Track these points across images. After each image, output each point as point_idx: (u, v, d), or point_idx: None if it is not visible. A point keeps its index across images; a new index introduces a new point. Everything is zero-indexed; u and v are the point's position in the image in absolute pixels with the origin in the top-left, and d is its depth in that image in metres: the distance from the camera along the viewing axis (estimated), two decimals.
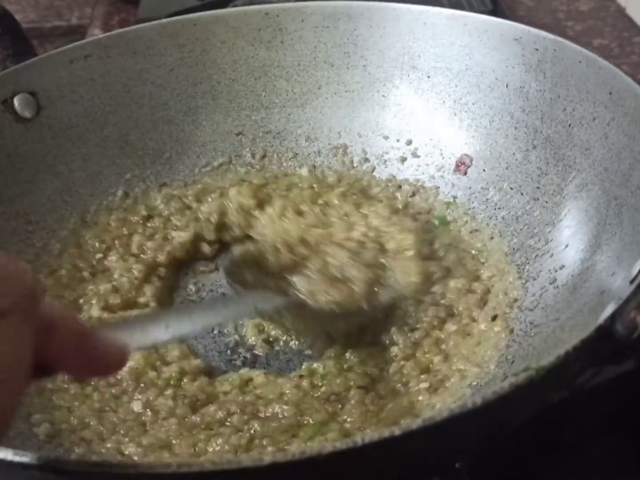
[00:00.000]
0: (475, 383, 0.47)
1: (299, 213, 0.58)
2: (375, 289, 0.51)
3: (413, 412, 0.45)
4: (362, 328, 0.52)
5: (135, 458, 0.44)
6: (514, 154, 0.58)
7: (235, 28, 0.66)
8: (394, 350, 0.50)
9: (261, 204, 0.61)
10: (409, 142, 0.64)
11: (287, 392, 0.47)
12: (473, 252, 0.57)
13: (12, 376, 0.25)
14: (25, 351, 0.26)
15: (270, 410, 0.46)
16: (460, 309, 0.52)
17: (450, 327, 0.51)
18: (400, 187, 0.63)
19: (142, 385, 0.48)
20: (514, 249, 0.55)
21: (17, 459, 0.29)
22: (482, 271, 0.55)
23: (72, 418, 0.46)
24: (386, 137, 0.65)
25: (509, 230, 0.56)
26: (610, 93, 0.50)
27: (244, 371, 0.50)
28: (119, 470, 0.29)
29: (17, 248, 0.57)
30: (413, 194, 0.62)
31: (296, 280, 0.51)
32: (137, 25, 0.67)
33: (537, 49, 0.56)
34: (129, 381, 0.48)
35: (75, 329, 0.29)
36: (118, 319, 0.52)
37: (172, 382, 0.48)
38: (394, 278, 0.52)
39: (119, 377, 0.48)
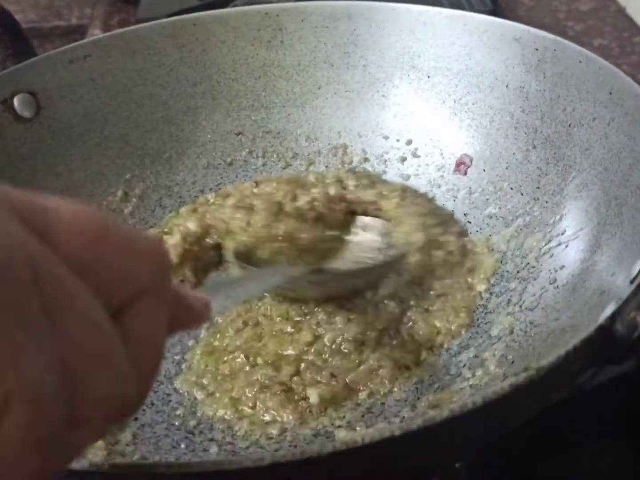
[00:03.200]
0: (476, 383, 0.47)
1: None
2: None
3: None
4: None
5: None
6: (514, 154, 0.58)
7: (235, 28, 0.66)
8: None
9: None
10: (409, 142, 0.64)
11: None
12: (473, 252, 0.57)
13: (158, 355, 0.25)
14: (164, 329, 0.25)
15: None
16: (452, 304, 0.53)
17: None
18: None
19: None
20: (513, 249, 0.55)
21: None
22: (481, 271, 0.55)
23: None
24: (386, 137, 0.65)
25: (508, 230, 0.56)
26: (610, 93, 0.50)
27: None
28: (119, 470, 0.29)
29: None
30: None
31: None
32: (137, 25, 0.67)
33: (537, 49, 0.56)
34: None
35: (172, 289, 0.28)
36: None
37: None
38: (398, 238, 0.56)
39: None
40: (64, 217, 0.22)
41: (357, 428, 0.44)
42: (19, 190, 0.22)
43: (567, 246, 0.51)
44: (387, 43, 0.65)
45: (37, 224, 0.21)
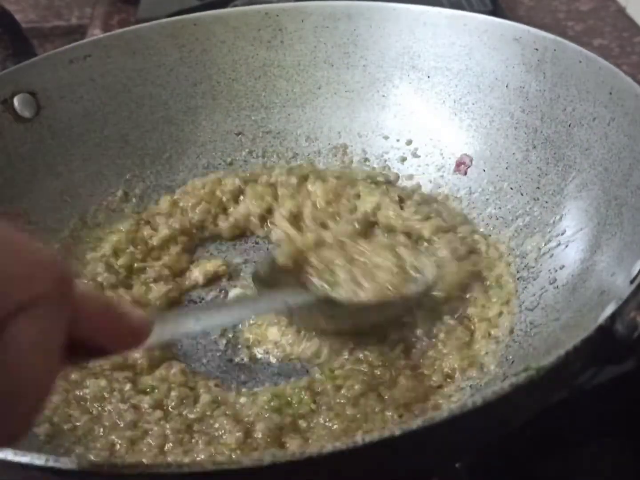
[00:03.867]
0: (476, 383, 0.47)
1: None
2: (407, 279, 0.50)
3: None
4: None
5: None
6: (514, 154, 0.58)
7: (235, 28, 0.66)
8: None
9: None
10: (409, 142, 0.64)
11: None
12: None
13: (47, 364, 0.26)
14: (59, 338, 0.26)
15: None
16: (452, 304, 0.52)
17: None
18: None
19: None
20: (513, 249, 0.55)
21: (17, 459, 0.29)
22: (481, 271, 0.55)
23: (72, 418, 0.46)
24: (386, 137, 0.65)
25: (508, 230, 0.56)
26: (610, 93, 0.50)
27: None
28: (118, 470, 0.29)
29: None
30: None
31: (326, 277, 0.51)
32: (137, 25, 0.67)
33: (537, 49, 0.56)
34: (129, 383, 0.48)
35: (102, 302, 0.29)
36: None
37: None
38: (426, 270, 0.51)
39: (120, 378, 0.48)
40: None
41: None
42: None
43: (567, 246, 0.51)
44: (387, 43, 0.65)
45: None
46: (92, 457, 0.43)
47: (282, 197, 0.61)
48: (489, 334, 0.50)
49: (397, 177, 0.63)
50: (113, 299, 0.33)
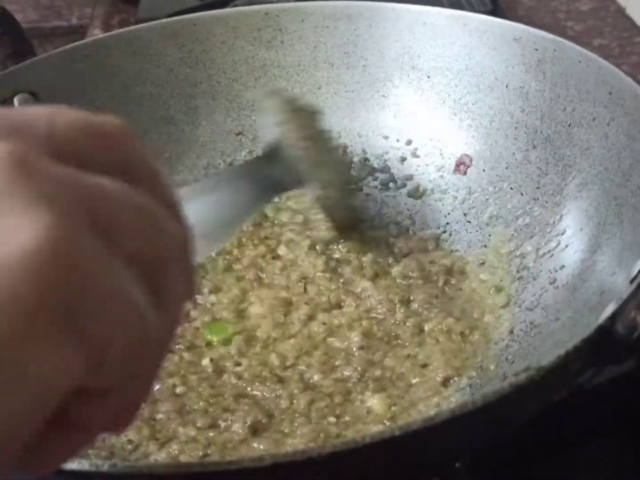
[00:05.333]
0: (476, 383, 0.47)
1: None
2: None
3: None
4: None
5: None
6: (514, 154, 0.58)
7: (235, 28, 0.66)
8: None
9: None
10: (409, 142, 0.64)
11: None
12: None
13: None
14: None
15: None
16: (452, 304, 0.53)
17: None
18: None
19: None
20: (513, 249, 0.55)
21: None
22: (480, 272, 0.55)
23: None
24: (386, 137, 0.65)
25: (508, 230, 0.56)
26: (610, 93, 0.50)
27: None
28: (118, 470, 0.29)
29: None
30: None
31: None
32: (137, 25, 0.67)
33: (537, 49, 0.56)
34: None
35: None
36: None
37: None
38: None
39: None
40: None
41: None
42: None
43: (567, 246, 0.51)
44: (387, 43, 0.65)
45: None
46: (92, 458, 0.43)
47: None
48: (489, 334, 0.50)
49: None
50: None
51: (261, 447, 0.43)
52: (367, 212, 0.61)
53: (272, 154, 0.50)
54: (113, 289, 0.19)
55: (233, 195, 0.46)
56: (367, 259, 0.56)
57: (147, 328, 0.20)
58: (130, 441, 0.45)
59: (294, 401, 0.47)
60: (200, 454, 0.43)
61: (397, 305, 0.53)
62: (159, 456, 0.43)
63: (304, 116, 0.51)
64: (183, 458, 0.43)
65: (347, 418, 0.46)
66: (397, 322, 0.52)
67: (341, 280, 0.55)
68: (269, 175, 0.49)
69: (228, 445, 0.44)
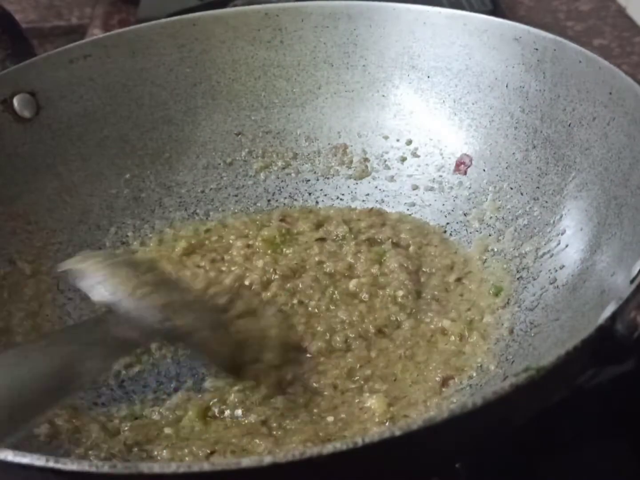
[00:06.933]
0: (476, 383, 0.47)
1: None
2: None
3: None
4: None
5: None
6: (514, 154, 0.58)
7: (235, 28, 0.66)
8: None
9: None
10: (409, 142, 0.64)
11: None
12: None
13: None
14: None
15: None
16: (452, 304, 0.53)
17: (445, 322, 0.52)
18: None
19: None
20: (513, 249, 0.55)
21: (17, 459, 0.29)
22: (480, 272, 0.55)
23: (72, 419, 0.47)
24: (386, 137, 0.65)
25: (508, 230, 0.56)
26: (610, 93, 0.50)
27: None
28: (118, 470, 0.29)
29: (17, 248, 0.57)
30: None
31: None
32: (137, 25, 0.66)
33: (537, 49, 0.56)
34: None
35: None
36: None
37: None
38: None
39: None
40: None
41: None
42: None
43: (567, 246, 0.51)
44: (387, 43, 0.65)
45: None
46: (92, 458, 0.43)
47: None
48: (489, 334, 0.50)
49: None
50: None
51: (261, 446, 0.43)
52: None
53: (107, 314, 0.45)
54: None
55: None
56: None
57: None
58: (128, 443, 0.45)
59: (294, 401, 0.47)
60: (201, 453, 0.43)
61: (397, 305, 0.53)
62: (159, 456, 0.44)
63: (130, 266, 0.47)
64: (183, 458, 0.43)
65: (346, 418, 0.46)
66: (397, 322, 0.52)
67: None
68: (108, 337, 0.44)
69: (228, 445, 0.44)
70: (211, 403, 0.47)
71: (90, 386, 0.48)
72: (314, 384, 0.48)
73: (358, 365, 0.49)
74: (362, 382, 0.48)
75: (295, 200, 0.65)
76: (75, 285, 0.47)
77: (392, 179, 0.64)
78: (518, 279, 0.53)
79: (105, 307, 0.46)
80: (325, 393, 0.48)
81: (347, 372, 0.49)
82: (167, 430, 0.46)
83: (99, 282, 0.45)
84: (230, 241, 0.61)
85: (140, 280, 0.45)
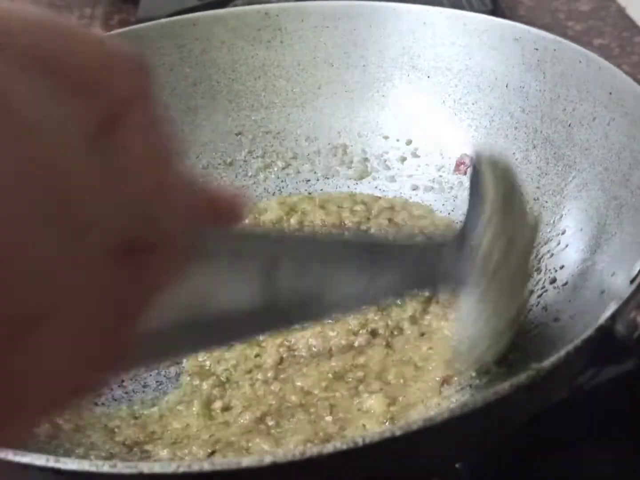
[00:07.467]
0: (476, 383, 0.47)
1: None
2: None
3: None
4: None
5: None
6: (514, 154, 0.58)
7: (235, 28, 0.66)
8: None
9: None
10: (409, 142, 0.64)
11: None
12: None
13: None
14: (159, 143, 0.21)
15: None
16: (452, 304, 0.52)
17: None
18: None
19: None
20: None
21: (17, 458, 0.29)
22: None
23: (72, 419, 0.46)
24: (386, 137, 0.65)
25: None
26: (610, 93, 0.50)
27: None
28: (118, 470, 0.29)
29: None
30: None
31: None
32: (137, 25, 0.67)
33: (537, 49, 0.56)
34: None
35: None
36: None
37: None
38: None
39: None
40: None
41: None
42: None
43: (567, 246, 0.51)
44: (387, 43, 0.65)
45: None
46: (92, 458, 0.43)
47: None
48: None
49: None
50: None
51: (261, 446, 0.43)
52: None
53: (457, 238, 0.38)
54: None
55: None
56: None
57: None
58: (128, 443, 0.45)
59: (294, 400, 0.47)
60: (201, 453, 0.43)
61: (395, 305, 0.53)
62: (159, 456, 0.44)
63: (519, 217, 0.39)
64: (183, 458, 0.43)
65: (345, 418, 0.46)
66: (396, 322, 0.52)
67: None
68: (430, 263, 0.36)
69: (228, 444, 0.44)
70: (211, 403, 0.47)
71: None
72: (307, 384, 0.48)
73: (356, 365, 0.49)
74: (357, 383, 0.48)
75: None
76: None
77: (392, 179, 0.64)
78: None
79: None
80: (318, 393, 0.47)
81: (343, 372, 0.49)
82: (167, 430, 0.46)
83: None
84: None
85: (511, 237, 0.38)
